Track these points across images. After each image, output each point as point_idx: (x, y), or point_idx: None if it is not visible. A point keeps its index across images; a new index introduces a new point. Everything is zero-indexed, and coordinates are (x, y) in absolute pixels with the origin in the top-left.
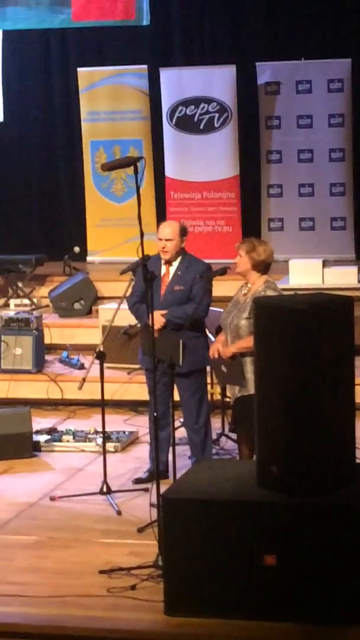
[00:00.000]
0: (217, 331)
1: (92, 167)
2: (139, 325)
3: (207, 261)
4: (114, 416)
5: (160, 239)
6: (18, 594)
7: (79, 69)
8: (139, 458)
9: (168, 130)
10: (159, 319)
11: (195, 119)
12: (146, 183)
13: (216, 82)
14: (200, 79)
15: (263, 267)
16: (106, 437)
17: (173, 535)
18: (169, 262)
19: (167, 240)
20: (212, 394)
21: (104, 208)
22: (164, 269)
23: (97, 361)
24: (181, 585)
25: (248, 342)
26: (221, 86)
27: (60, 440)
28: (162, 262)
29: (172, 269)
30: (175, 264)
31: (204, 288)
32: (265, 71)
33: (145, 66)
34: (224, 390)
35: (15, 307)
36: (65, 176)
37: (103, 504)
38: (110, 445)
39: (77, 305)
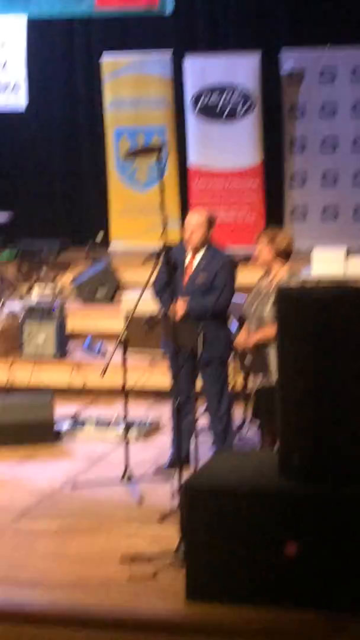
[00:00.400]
0: (240, 320)
1: (115, 154)
2: (159, 316)
3: (229, 249)
4: (137, 403)
5: (187, 228)
6: (40, 580)
7: (103, 57)
8: (161, 446)
9: (192, 117)
10: (180, 307)
11: (219, 107)
12: (169, 171)
13: (240, 69)
14: (225, 66)
15: (284, 255)
16: (128, 424)
17: (194, 523)
18: (193, 252)
19: (193, 229)
20: (234, 383)
21: (127, 195)
22: (188, 258)
23: (120, 348)
24: (202, 572)
25: (271, 331)
26: (245, 73)
27: (82, 427)
28: (187, 251)
29: (196, 259)
30: (200, 253)
31: (226, 280)
32: (290, 58)
33: (169, 53)
34: (246, 379)
35: (38, 294)
36: (89, 164)
37: (125, 492)
38: (132, 433)
39: (100, 292)
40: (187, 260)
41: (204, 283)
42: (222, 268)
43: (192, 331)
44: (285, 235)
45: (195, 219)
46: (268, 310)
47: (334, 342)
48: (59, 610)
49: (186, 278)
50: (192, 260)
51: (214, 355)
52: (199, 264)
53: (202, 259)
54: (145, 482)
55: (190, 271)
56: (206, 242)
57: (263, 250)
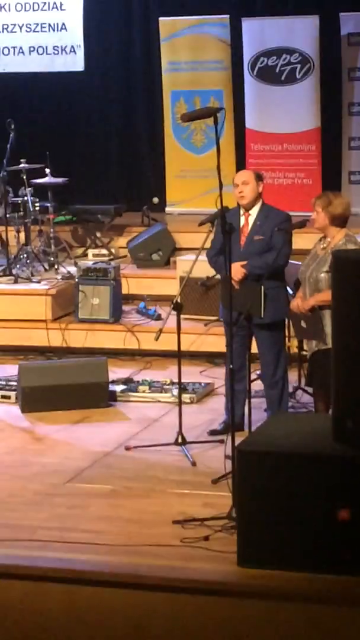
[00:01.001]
0: (296, 284)
1: (172, 117)
2: (217, 276)
3: (287, 213)
4: (190, 367)
5: (237, 185)
6: (92, 542)
7: (160, 19)
8: (215, 410)
9: (249, 81)
10: (239, 269)
11: (277, 70)
12: (226, 134)
13: (298, 32)
14: (283, 29)
15: (341, 220)
16: (182, 388)
17: (247, 487)
18: (247, 211)
19: (243, 184)
20: (289, 347)
21: (184, 159)
22: (242, 220)
23: (174, 312)
24: (254, 537)
25: (327, 295)
26: (303, 37)
27: (136, 391)
28: (241, 212)
29: (251, 219)
30: (254, 213)
31: (284, 238)
32: (349, 21)
33: (227, 16)
34: (301, 343)
35: (93, 257)
36: (145, 126)
37: (178, 455)
38: (186, 397)
39: (155, 256)
40: (242, 222)
41: (262, 243)
42: (278, 226)
43: (253, 292)
44: (341, 201)
45: (243, 176)
46: (323, 274)
47: None
48: (111, 572)
49: (243, 239)
50: (247, 221)
51: (274, 317)
52: (254, 223)
53: (256, 218)
54: (199, 445)
55: (246, 232)
56: (258, 199)
57: (319, 215)
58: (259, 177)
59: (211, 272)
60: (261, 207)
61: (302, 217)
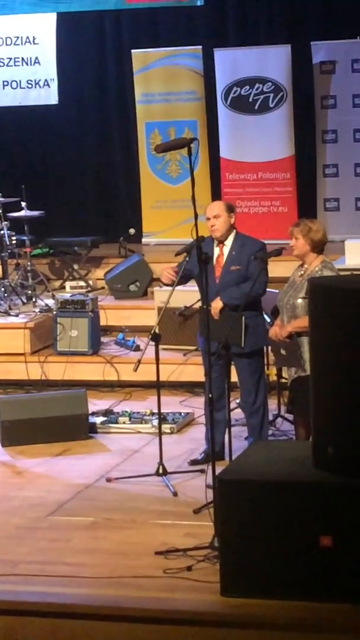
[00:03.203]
0: (274, 312)
1: (147, 148)
2: (194, 306)
3: (262, 241)
4: (170, 398)
5: (209, 218)
6: (75, 575)
7: (133, 51)
8: (195, 439)
9: (223, 110)
10: (216, 305)
11: (250, 99)
12: (201, 164)
13: (271, 62)
14: (255, 59)
15: (321, 246)
16: (162, 418)
17: (229, 516)
18: (221, 242)
19: (214, 217)
20: (268, 375)
21: (159, 189)
22: (217, 250)
23: (153, 343)
24: (237, 566)
25: (304, 321)
26: (276, 66)
27: (116, 422)
28: (215, 243)
29: (226, 249)
30: (229, 243)
31: (260, 266)
32: (320, 50)
33: (199, 47)
34: (280, 371)
35: (71, 289)
36: (120, 158)
37: (159, 486)
38: (166, 427)
39: (132, 287)
40: (216, 253)
41: (238, 273)
42: (254, 255)
43: (234, 322)
44: (319, 227)
45: (214, 210)
46: (300, 300)
47: None
48: (95, 604)
49: (218, 270)
50: (222, 251)
51: (254, 346)
52: (229, 254)
53: (231, 248)
54: (180, 475)
55: (221, 262)
56: (231, 229)
57: (298, 242)
58: (230, 209)
59: (188, 301)
60: (235, 236)
61: (278, 245)
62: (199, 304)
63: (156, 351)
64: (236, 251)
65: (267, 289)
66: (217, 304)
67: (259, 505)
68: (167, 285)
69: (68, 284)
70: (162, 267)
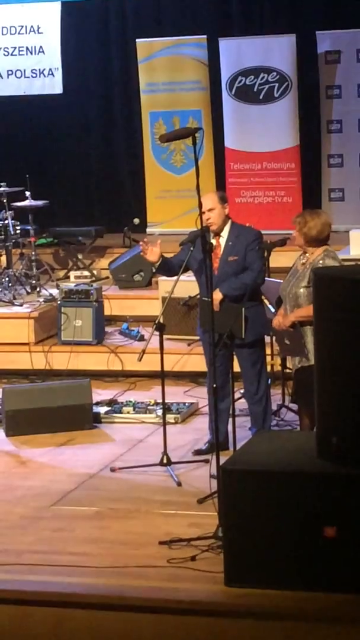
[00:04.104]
0: (277, 302)
1: (151, 138)
2: (199, 296)
3: (267, 232)
4: (174, 387)
5: (204, 212)
6: (79, 564)
7: (137, 40)
8: (199, 429)
9: (227, 100)
10: (216, 297)
11: (255, 89)
12: (206, 154)
13: (276, 51)
14: (260, 49)
15: (316, 242)
16: (166, 408)
17: (233, 506)
18: (217, 234)
19: (209, 210)
20: (272, 365)
21: (164, 179)
22: (214, 242)
23: (157, 332)
24: (241, 556)
25: (307, 311)
26: (281, 56)
27: (120, 412)
28: (212, 235)
29: (223, 240)
30: (225, 234)
31: (258, 255)
32: (325, 40)
33: (204, 36)
34: (284, 361)
35: (75, 279)
36: (125, 148)
37: (163, 475)
38: (170, 417)
39: (136, 277)
40: (213, 244)
41: (236, 263)
42: (250, 245)
43: (232, 314)
44: (317, 222)
45: (208, 203)
46: (302, 289)
47: None
48: (98, 594)
49: (216, 261)
50: (219, 242)
51: (253, 337)
52: (226, 244)
53: (228, 239)
54: (184, 465)
55: (218, 253)
56: (226, 220)
57: (297, 236)
58: (223, 199)
59: (193, 291)
60: (231, 227)
61: (282, 235)
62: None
63: (160, 341)
64: (232, 242)
65: (272, 279)
66: (217, 296)
67: (263, 496)
68: (153, 262)
69: (72, 274)
70: (148, 241)
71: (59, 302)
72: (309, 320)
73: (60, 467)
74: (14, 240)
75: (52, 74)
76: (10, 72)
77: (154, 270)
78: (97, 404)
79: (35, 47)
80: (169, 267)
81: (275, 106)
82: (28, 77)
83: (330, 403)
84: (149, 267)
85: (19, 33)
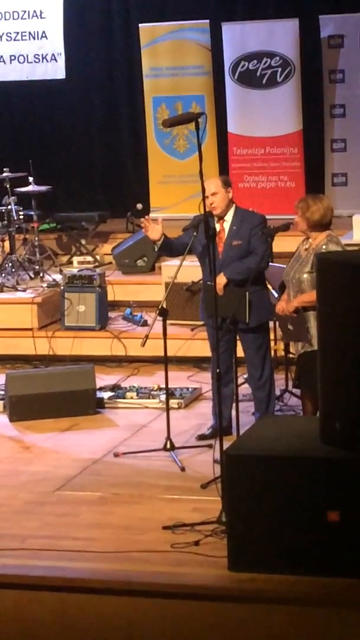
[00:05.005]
0: (281, 287)
1: (154, 123)
2: (201, 281)
3: (270, 217)
4: (178, 373)
5: (207, 196)
6: (83, 549)
7: (140, 25)
8: (203, 414)
9: (230, 85)
10: (220, 281)
11: (258, 74)
12: (208, 139)
13: (279, 36)
14: (263, 33)
15: (319, 226)
16: (170, 393)
17: (236, 491)
18: (221, 218)
19: (212, 194)
20: (275, 350)
21: (167, 164)
22: (217, 226)
23: (160, 318)
24: (245, 541)
25: (311, 296)
26: (284, 40)
27: (123, 397)
28: (215, 219)
29: (227, 224)
30: (229, 219)
31: (262, 239)
32: (329, 24)
33: (207, 21)
34: (287, 346)
35: (78, 265)
36: (128, 133)
37: (167, 460)
38: (173, 402)
39: (140, 262)
40: (217, 229)
41: (240, 248)
42: (254, 229)
43: (236, 298)
44: (320, 207)
45: (211, 187)
46: (306, 275)
47: None
48: (102, 579)
49: (220, 246)
50: (222, 227)
51: (257, 322)
52: (230, 229)
53: (232, 223)
54: (187, 450)
55: (222, 238)
56: (230, 204)
57: (299, 221)
58: (226, 183)
59: (196, 276)
60: (235, 211)
61: (285, 220)
62: None
63: (164, 326)
64: (237, 226)
65: (275, 264)
66: (220, 280)
67: (266, 480)
68: (154, 240)
69: (75, 259)
70: (150, 219)
71: (62, 287)
72: (312, 306)
73: (64, 452)
74: (17, 226)
75: (55, 59)
76: (13, 57)
77: (155, 250)
78: (101, 389)
79: (38, 32)
80: (171, 248)
81: (278, 91)
82: (31, 62)
83: (333, 388)
84: (152, 253)
85: (21, 18)
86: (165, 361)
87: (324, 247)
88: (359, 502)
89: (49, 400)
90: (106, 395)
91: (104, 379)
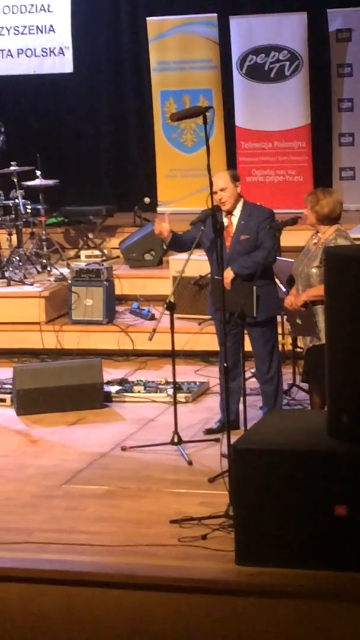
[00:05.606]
0: (289, 282)
1: (162, 117)
2: (209, 275)
3: (277, 211)
4: (185, 367)
5: (216, 192)
6: (90, 543)
7: (148, 19)
8: (210, 408)
9: (238, 79)
10: (227, 275)
11: (266, 68)
12: (216, 133)
13: (287, 29)
14: (271, 27)
15: (328, 220)
16: (177, 387)
17: (244, 485)
18: (230, 213)
19: (221, 190)
20: (283, 345)
21: (174, 158)
22: (225, 221)
23: (168, 312)
24: (252, 535)
25: (319, 290)
26: (292, 34)
27: (131, 391)
28: (224, 214)
29: (235, 219)
30: (237, 213)
31: (270, 234)
32: (337, 18)
33: (214, 14)
34: (295, 340)
35: (86, 258)
36: (135, 127)
37: (174, 454)
38: (181, 396)
39: (147, 256)
40: (225, 223)
41: (248, 242)
42: (262, 223)
43: (244, 293)
44: (329, 200)
45: (220, 182)
46: (314, 269)
47: None
48: (109, 572)
49: (228, 240)
50: (230, 221)
51: (265, 316)
52: (238, 223)
53: (240, 218)
54: (195, 444)
55: (230, 232)
56: (239, 199)
57: (308, 214)
58: (235, 178)
59: (203, 270)
60: (243, 206)
61: (293, 214)
62: None
63: (171, 320)
64: (245, 220)
65: (284, 258)
66: (228, 274)
67: (274, 474)
68: (163, 239)
69: (83, 253)
70: (157, 218)
71: (69, 281)
72: (321, 300)
73: (71, 446)
74: (24, 220)
75: (63, 53)
76: (20, 51)
77: (165, 247)
78: (108, 383)
79: (45, 25)
80: (180, 243)
81: (286, 85)
82: (38, 56)
83: (341, 382)
84: (159, 246)
85: (29, 12)
86: (173, 355)
87: (332, 241)
88: None
89: (56, 394)
90: (113, 389)
91: (111, 372)
